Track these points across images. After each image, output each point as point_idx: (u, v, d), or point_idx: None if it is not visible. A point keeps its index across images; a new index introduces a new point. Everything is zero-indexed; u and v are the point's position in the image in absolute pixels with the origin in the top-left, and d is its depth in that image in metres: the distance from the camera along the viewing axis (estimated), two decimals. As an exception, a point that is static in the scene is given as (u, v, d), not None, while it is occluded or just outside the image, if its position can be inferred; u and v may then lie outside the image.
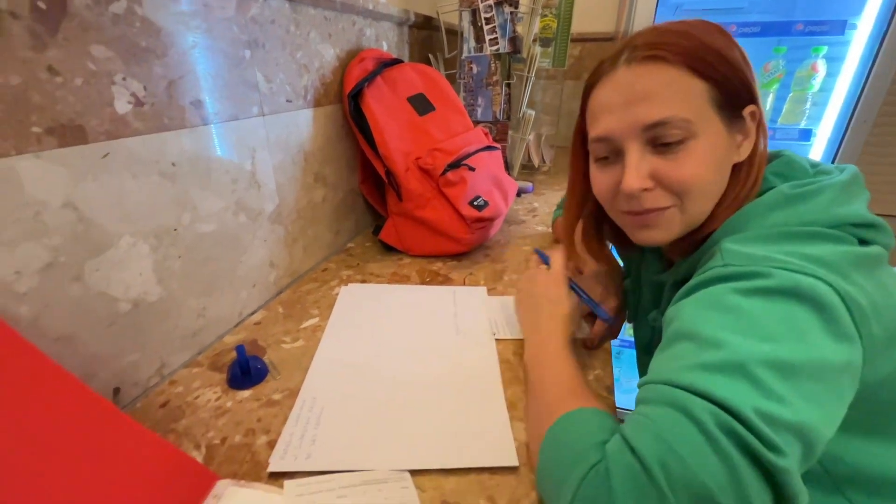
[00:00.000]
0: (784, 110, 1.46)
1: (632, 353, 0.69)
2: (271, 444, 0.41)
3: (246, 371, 0.49)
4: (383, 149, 0.76)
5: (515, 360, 0.53)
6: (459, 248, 0.80)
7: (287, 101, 0.66)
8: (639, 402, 0.31)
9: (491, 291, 0.69)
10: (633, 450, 0.27)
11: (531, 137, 1.41)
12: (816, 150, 1.46)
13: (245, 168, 0.59)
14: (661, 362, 0.32)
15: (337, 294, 0.68)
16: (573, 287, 0.55)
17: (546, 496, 0.34)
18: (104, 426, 0.33)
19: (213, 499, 0.35)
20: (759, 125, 0.40)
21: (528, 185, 1.23)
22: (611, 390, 0.49)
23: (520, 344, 0.56)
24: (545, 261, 0.60)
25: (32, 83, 0.35)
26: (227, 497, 0.35)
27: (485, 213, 0.78)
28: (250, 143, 0.59)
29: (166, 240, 0.48)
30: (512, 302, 0.61)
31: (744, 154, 0.40)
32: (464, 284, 0.72)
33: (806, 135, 1.42)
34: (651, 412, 0.28)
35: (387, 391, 0.48)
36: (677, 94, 0.37)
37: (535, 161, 1.42)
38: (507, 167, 1.29)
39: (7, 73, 0.34)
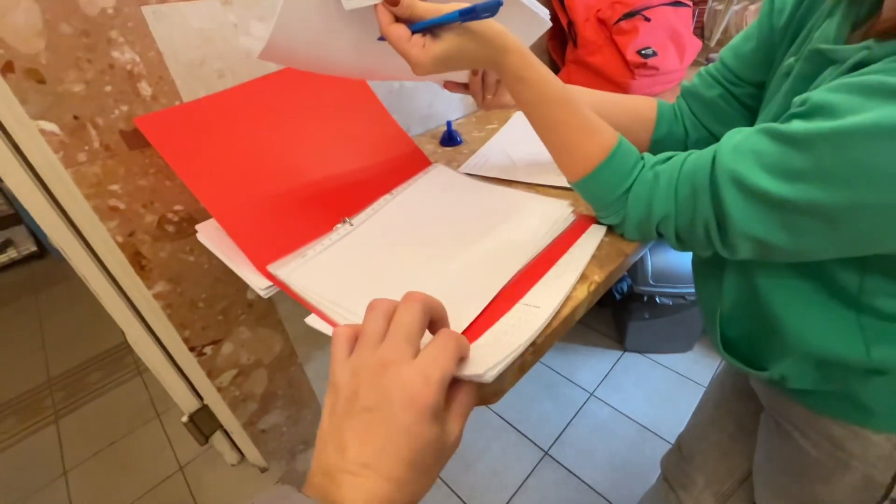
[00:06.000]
0: None
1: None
2: (458, 165, 0.72)
3: (450, 137, 0.81)
4: (569, 0, 0.92)
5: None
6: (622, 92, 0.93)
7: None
8: (717, 166, 0.36)
9: (635, 124, 0.84)
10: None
11: (751, 9, 1.28)
12: None
13: (465, 10, 0.86)
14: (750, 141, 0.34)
15: (512, 115, 0.94)
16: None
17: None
18: (391, 134, 0.68)
19: (433, 168, 0.68)
20: None
21: (725, 56, 1.18)
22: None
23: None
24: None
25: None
26: (438, 171, 0.68)
27: (650, 61, 0.89)
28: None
29: (418, 50, 0.80)
30: None
31: None
32: (613, 119, 0.88)
33: None
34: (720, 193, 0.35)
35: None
36: None
37: (749, 35, 1.29)
38: (704, 35, 1.25)
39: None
